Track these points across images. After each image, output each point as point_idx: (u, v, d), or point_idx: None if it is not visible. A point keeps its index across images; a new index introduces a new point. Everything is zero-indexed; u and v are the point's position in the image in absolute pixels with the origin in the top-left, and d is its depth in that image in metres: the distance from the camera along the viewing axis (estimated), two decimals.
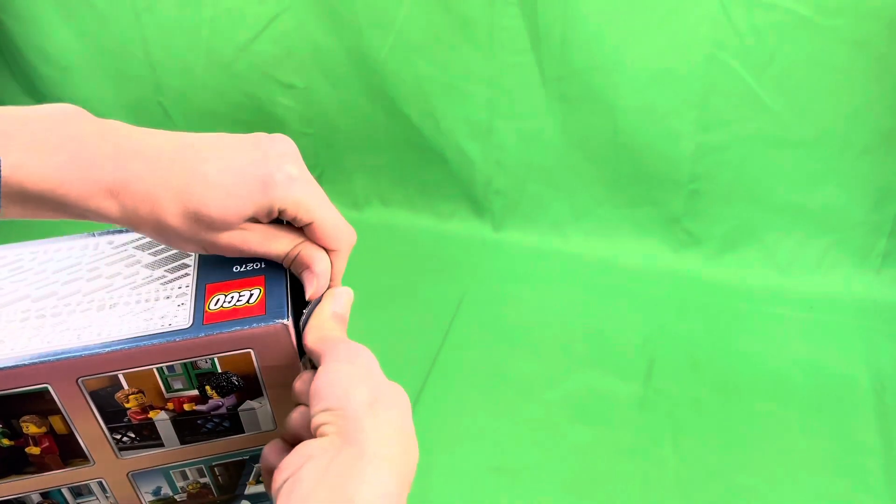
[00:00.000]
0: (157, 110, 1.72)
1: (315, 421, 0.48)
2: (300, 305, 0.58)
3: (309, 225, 0.56)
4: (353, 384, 0.49)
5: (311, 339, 0.55)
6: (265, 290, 0.56)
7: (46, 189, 0.48)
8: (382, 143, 1.66)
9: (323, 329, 0.55)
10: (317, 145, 1.69)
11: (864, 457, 1.28)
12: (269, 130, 1.91)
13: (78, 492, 0.61)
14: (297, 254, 0.56)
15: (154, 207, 0.51)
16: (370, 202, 1.72)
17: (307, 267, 0.57)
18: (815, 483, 1.25)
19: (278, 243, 0.56)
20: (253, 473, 0.63)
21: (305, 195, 0.55)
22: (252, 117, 1.68)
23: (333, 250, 0.58)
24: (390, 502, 0.45)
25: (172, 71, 1.67)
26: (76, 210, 0.50)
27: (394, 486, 0.46)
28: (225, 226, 0.53)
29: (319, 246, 0.57)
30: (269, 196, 0.53)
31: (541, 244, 1.64)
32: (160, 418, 0.56)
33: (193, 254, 0.60)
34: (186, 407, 0.56)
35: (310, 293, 0.56)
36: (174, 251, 0.61)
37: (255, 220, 0.54)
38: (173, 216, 0.52)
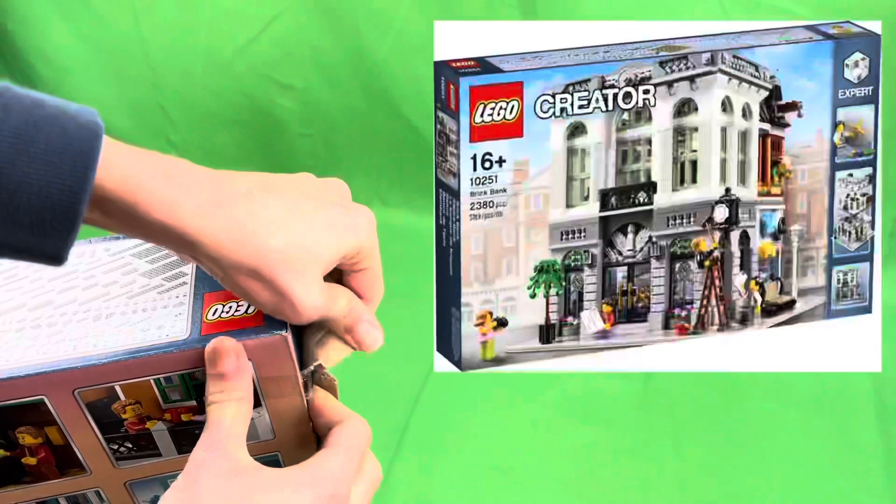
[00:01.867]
0: (157, 111, 1.72)
1: None
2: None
3: (362, 272, 0.57)
4: None
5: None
6: None
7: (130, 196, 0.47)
8: (382, 144, 1.66)
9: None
10: (316, 145, 1.69)
11: (864, 457, 1.27)
12: (269, 131, 1.90)
13: (75, 501, 0.60)
14: (350, 312, 0.57)
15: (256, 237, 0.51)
16: (370, 202, 1.72)
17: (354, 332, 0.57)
18: (815, 483, 1.25)
19: (340, 300, 0.56)
20: None
21: (376, 240, 0.56)
22: (251, 118, 1.68)
23: (370, 301, 0.58)
24: None
25: (172, 72, 1.67)
26: (153, 224, 0.48)
27: None
28: (322, 263, 0.53)
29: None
30: (360, 239, 0.54)
31: None
32: (157, 429, 0.56)
33: (191, 262, 0.60)
34: (184, 417, 0.56)
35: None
36: (172, 259, 0.60)
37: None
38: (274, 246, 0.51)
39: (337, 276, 0.57)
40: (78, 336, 0.54)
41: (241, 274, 0.50)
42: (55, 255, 0.46)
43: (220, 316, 0.54)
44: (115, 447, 0.57)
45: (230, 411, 0.52)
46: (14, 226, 0.45)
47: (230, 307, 0.55)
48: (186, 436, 0.57)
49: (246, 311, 0.55)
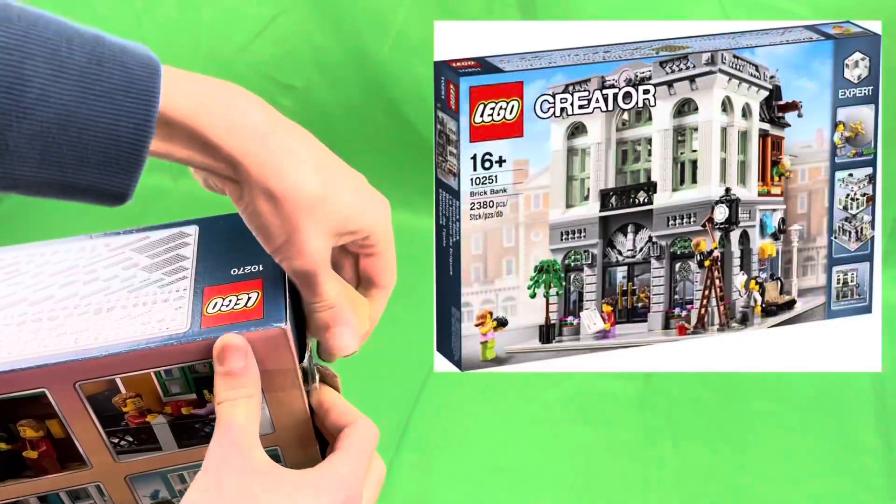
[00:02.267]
0: None
1: None
2: (299, 310, 0.57)
3: (374, 256, 0.57)
4: None
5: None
6: (263, 293, 0.55)
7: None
8: (382, 144, 1.66)
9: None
10: None
11: (864, 457, 1.28)
12: None
13: (76, 495, 0.60)
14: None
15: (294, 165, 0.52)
16: None
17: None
18: (815, 483, 1.25)
19: (335, 284, 0.56)
20: None
21: (391, 227, 0.57)
22: None
23: (382, 288, 0.59)
24: None
25: None
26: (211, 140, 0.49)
27: None
28: (343, 223, 0.54)
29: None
30: (375, 218, 0.56)
31: None
32: (158, 422, 0.56)
33: (191, 256, 0.60)
34: (184, 411, 0.56)
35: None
36: (172, 254, 0.60)
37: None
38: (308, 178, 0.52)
39: (353, 259, 0.58)
40: (79, 329, 0.54)
41: (269, 201, 0.51)
42: (121, 193, 0.47)
43: (220, 309, 0.55)
44: (116, 440, 0.57)
45: (241, 409, 0.52)
46: (82, 165, 0.45)
47: (230, 300, 0.55)
48: (187, 429, 0.57)
49: (245, 305, 0.55)
